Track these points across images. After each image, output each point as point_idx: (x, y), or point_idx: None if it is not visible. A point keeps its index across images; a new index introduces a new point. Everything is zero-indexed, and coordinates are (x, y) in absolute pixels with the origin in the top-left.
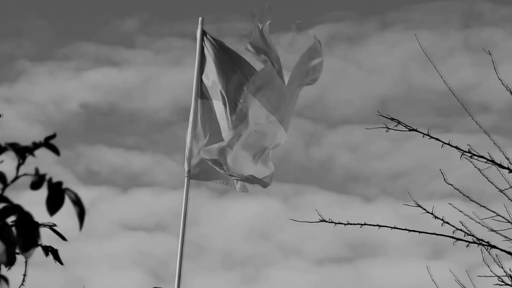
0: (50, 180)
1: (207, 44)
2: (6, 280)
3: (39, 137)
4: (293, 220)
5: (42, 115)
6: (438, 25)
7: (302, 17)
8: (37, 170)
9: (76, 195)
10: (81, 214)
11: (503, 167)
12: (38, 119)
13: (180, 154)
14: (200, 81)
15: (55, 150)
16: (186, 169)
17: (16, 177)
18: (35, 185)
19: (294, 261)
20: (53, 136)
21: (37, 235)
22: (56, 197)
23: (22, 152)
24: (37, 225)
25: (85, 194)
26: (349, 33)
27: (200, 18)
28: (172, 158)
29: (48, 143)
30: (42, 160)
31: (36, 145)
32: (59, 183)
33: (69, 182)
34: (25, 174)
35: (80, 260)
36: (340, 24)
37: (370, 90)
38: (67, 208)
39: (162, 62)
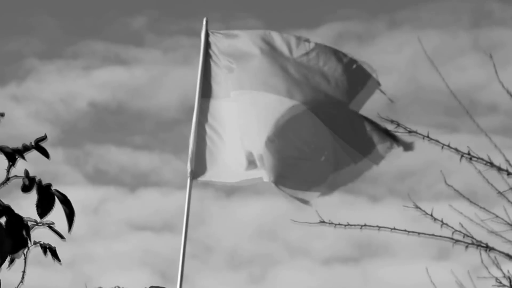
0: (40, 182)
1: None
2: None
3: (48, 136)
4: (294, 221)
5: (51, 113)
6: (447, 24)
7: (311, 15)
8: (27, 173)
9: (65, 196)
10: (70, 215)
11: (502, 170)
12: (47, 117)
13: (187, 154)
14: (202, 82)
15: (45, 153)
16: (189, 169)
17: (7, 179)
18: (26, 188)
19: (301, 261)
20: (44, 138)
21: (27, 237)
22: (46, 199)
23: (12, 155)
24: (27, 227)
25: (93, 194)
26: (358, 31)
27: (204, 19)
28: (180, 158)
29: (38, 146)
30: (51, 159)
31: (26, 148)
32: (48, 185)
33: (77, 182)
34: (15, 176)
35: (87, 259)
36: (349, 23)
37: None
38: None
39: (170, 61)
